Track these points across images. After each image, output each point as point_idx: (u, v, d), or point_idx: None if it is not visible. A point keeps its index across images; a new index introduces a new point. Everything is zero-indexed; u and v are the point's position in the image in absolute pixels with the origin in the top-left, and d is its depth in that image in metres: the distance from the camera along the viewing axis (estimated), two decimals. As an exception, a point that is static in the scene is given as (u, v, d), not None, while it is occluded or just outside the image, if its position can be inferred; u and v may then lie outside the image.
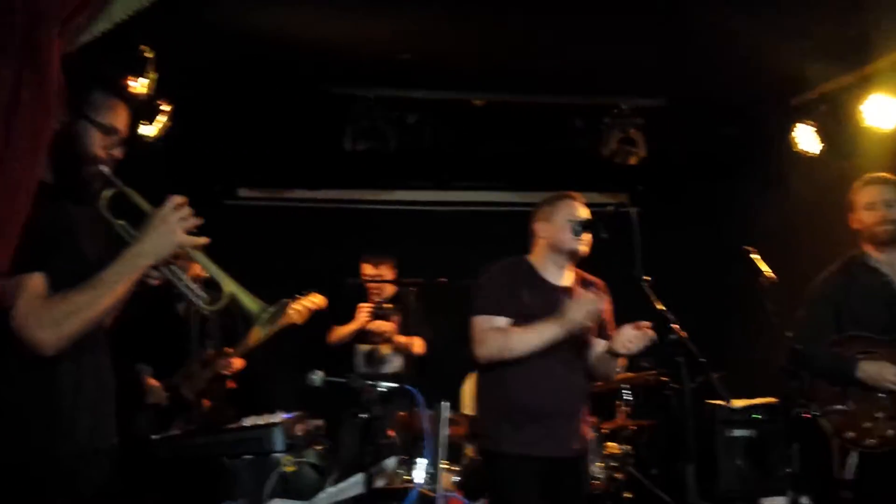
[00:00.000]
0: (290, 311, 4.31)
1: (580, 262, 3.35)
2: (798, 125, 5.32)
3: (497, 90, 5.45)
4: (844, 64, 4.95)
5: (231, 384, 4.42)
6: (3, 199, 1.75)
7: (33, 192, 1.85)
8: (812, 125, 5.27)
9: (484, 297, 3.26)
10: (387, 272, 4.55)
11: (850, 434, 3.44)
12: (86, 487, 2.09)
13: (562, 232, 3.30)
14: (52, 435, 2.03)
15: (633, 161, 5.54)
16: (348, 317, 4.77)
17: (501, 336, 3.16)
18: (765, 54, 4.68)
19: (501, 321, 3.19)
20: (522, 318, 3.17)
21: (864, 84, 4.91)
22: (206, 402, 4.10)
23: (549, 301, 3.22)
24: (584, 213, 3.33)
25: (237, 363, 4.28)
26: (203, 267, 2.16)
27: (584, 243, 3.28)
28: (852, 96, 5.01)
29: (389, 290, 4.85)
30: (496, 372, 3.21)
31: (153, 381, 4.06)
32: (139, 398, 4.03)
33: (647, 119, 5.55)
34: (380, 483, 2.31)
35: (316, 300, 4.47)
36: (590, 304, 3.09)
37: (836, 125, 5.17)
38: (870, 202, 3.61)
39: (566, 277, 3.38)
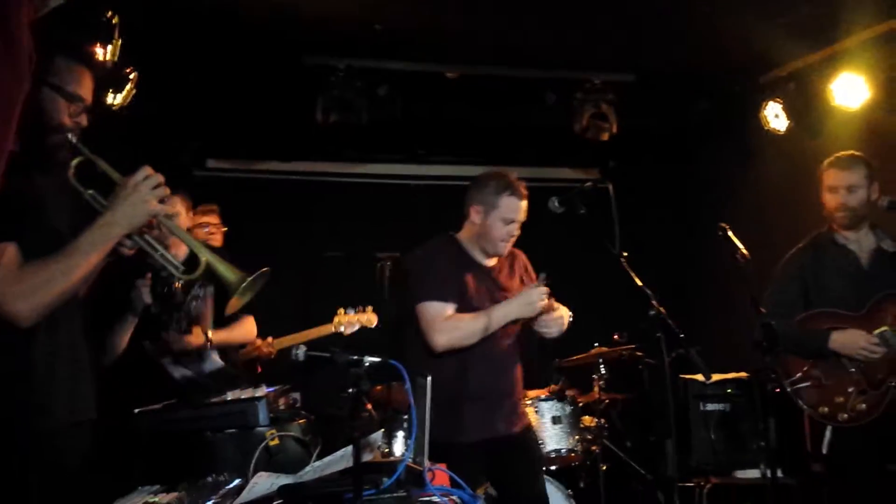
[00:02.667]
0: (341, 322, 4.43)
1: (562, 233, 3.34)
2: (767, 103, 5.37)
3: (470, 63, 5.40)
4: (813, 42, 5.01)
5: (259, 368, 4.41)
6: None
7: (3, 163, 1.77)
8: (780, 103, 5.33)
9: (431, 282, 3.21)
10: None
11: (824, 409, 3.50)
12: (64, 462, 2.07)
13: (495, 231, 3.28)
14: (29, 410, 2.00)
15: (604, 137, 5.55)
16: (326, 291, 4.70)
17: (458, 324, 3.14)
18: (735, 31, 4.71)
19: (451, 308, 3.18)
20: (464, 301, 3.20)
21: (833, 62, 4.97)
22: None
23: (483, 283, 3.29)
24: (523, 214, 3.32)
25: (272, 350, 4.29)
26: (177, 236, 2.14)
27: (508, 247, 3.33)
28: (821, 75, 5.07)
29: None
30: (443, 359, 3.17)
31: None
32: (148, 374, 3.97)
33: (618, 94, 5.55)
34: (366, 457, 2.28)
35: (370, 319, 4.48)
36: (536, 297, 3.13)
37: (805, 103, 5.23)
38: (831, 185, 3.65)
39: (491, 259, 3.41)
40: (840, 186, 3.63)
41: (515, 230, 3.30)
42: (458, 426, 3.13)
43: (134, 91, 4.39)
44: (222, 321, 4.17)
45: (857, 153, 3.72)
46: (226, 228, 4.30)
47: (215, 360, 3.67)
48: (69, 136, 2.14)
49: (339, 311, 4.47)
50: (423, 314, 3.18)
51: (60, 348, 2.07)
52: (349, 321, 4.46)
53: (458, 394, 3.16)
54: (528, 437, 3.49)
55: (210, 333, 3.56)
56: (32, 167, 2.12)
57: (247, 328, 3.73)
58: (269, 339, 4.31)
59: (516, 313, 3.20)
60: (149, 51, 4.41)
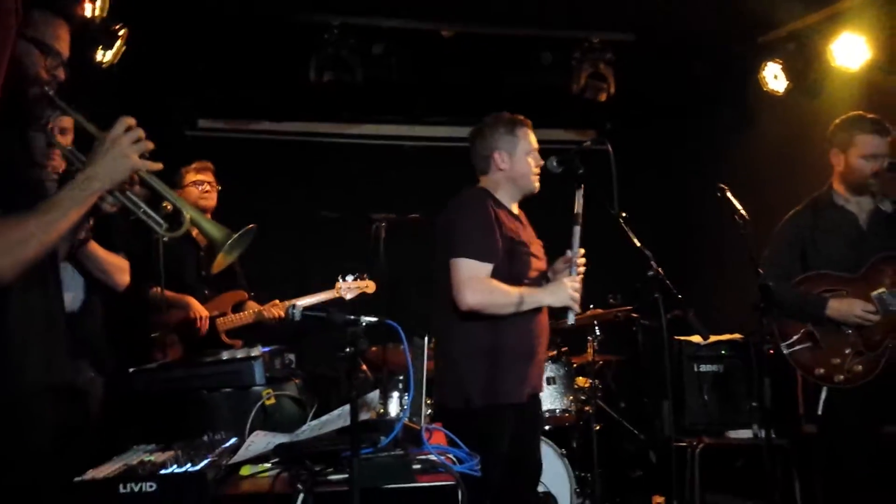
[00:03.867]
0: (342, 287, 4.44)
1: (559, 194, 3.27)
2: (766, 64, 5.31)
3: (466, 21, 5.31)
4: (813, 2, 4.94)
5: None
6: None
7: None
8: (780, 63, 5.27)
9: (470, 238, 3.08)
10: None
11: (820, 370, 3.52)
12: (40, 426, 2.02)
13: (525, 167, 3.24)
14: (4, 371, 1.95)
15: (602, 97, 5.48)
16: (321, 252, 4.68)
17: (491, 291, 3.03)
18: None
19: (487, 269, 3.06)
20: (507, 256, 3.11)
21: (833, 22, 4.90)
22: (238, 343, 4.06)
23: (518, 232, 3.22)
24: (536, 143, 3.31)
25: (280, 312, 4.25)
26: (160, 192, 2.08)
27: (538, 181, 3.27)
28: (821, 35, 5.00)
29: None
30: (475, 320, 3.07)
31: (197, 304, 4.02)
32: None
33: (617, 54, 5.47)
34: (363, 416, 2.28)
35: (369, 285, 4.49)
36: (570, 290, 3.06)
37: (805, 64, 5.17)
38: (872, 153, 3.56)
39: (514, 207, 3.35)
40: (880, 154, 3.57)
41: (538, 159, 3.25)
42: (490, 388, 3.05)
43: (124, 48, 4.30)
44: (210, 280, 4.18)
45: (880, 120, 3.66)
46: (220, 187, 4.25)
47: None
48: (46, 89, 2.07)
49: (338, 279, 4.47)
50: (458, 270, 3.05)
51: (35, 310, 2.02)
52: (349, 288, 4.48)
53: (491, 355, 3.08)
54: (538, 400, 3.47)
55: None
56: (10, 121, 2.06)
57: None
58: (276, 301, 4.29)
59: (549, 301, 3.12)
60: (139, 8, 4.31)
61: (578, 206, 3.11)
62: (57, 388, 2.09)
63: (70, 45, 2.15)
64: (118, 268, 2.82)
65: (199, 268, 4.16)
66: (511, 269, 3.12)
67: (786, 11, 5.06)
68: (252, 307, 4.27)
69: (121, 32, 4.21)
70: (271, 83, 5.58)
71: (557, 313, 3.25)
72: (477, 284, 3.02)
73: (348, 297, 4.44)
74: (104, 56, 4.20)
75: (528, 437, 3.28)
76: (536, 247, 3.32)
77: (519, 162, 3.24)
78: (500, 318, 3.06)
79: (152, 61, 4.88)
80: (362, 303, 4.39)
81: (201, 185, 4.20)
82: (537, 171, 3.25)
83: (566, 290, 3.06)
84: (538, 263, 3.28)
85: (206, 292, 4.18)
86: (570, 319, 3.09)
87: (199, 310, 4.01)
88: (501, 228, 3.12)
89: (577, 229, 3.10)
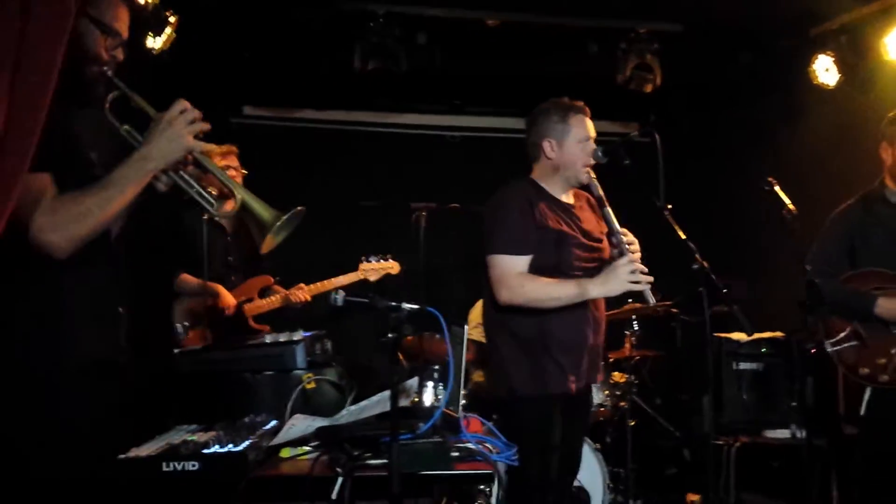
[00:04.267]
0: (366, 269, 4.43)
1: (600, 182, 3.23)
2: (817, 57, 5.21)
3: (511, 10, 5.28)
4: (867, -5, 4.83)
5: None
6: (23, 97, 1.65)
7: (52, 90, 1.76)
8: (831, 56, 5.16)
9: (503, 234, 3.04)
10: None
11: (864, 370, 3.46)
12: (89, 401, 2.07)
13: (574, 156, 3.13)
14: (54, 343, 2.01)
15: (648, 88, 5.41)
16: (361, 240, 4.71)
17: (524, 286, 2.98)
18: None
19: (524, 262, 3.02)
20: (545, 246, 3.04)
21: (887, 15, 4.78)
22: (266, 328, 4.08)
23: (565, 221, 3.13)
24: (593, 131, 3.20)
25: (306, 296, 4.26)
26: (212, 172, 2.12)
27: (590, 173, 3.15)
28: (874, 28, 4.89)
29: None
30: (519, 312, 3.03)
31: (224, 291, 4.05)
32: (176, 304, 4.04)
33: (664, 45, 5.40)
34: (404, 402, 2.30)
35: (392, 266, 4.47)
36: (625, 274, 2.93)
37: (856, 58, 5.05)
38: None
39: (569, 196, 3.27)
40: None
41: (592, 148, 3.14)
42: (533, 379, 3.01)
43: (174, 36, 4.36)
44: (236, 266, 4.22)
45: None
46: (245, 172, 4.28)
47: None
48: (105, 69, 2.11)
49: (361, 260, 4.47)
50: (492, 266, 3.05)
51: (91, 286, 2.07)
52: (373, 269, 4.46)
53: (534, 346, 3.03)
54: (589, 392, 3.40)
55: None
56: (70, 100, 2.10)
57: None
58: (301, 285, 4.32)
59: (598, 293, 3.00)
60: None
61: (598, 190, 3.08)
62: (109, 363, 2.14)
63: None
64: None
65: (227, 254, 4.19)
66: (555, 261, 3.05)
67: (838, 4, 4.95)
68: (278, 292, 4.28)
69: (171, 20, 4.27)
70: (315, 71, 5.60)
71: (635, 298, 3.17)
72: (511, 280, 2.99)
73: (372, 278, 4.42)
74: (154, 42, 4.26)
75: (572, 429, 3.19)
76: (596, 234, 3.21)
77: (568, 151, 3.13)
78: (549, 309, 3.00)
79: (199, 48, 4.92)
80: (400, 290, 4.40)
81: (227, 170, 4.21)
82: (589, 160, 3.13)
83: (618, 276, 2.93)
84: (588, 252, 3.16)
85: (233, 278, 4.19)
86: (650, 300, 2.97)
87: (227, 297, 4.04)
88: (541, 220, 3.05)
89: (608, 211, 3.06)
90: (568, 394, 3.06)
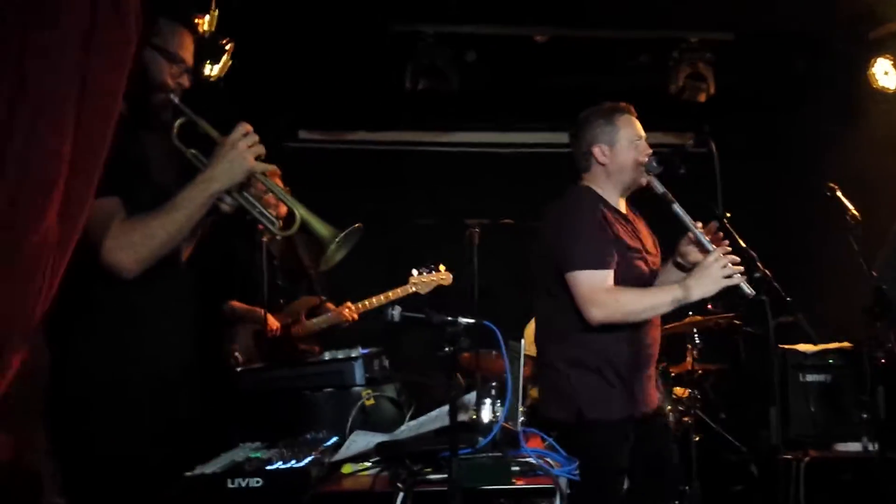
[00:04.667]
0: (416, 282, 4.41)
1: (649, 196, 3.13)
2: (877, 60, 5.08)
3: (559, 24, 5.28)
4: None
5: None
6: (90, 121, 1.72)
7: (117, 117, 1.83)
8: (890, 59, 5.03)
9: (584, 246, 2.81)
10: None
11: (936, 380, 3.33)
12: (161, 415, 2.12)
13: (629, 156, 2.96)
14: (123, 360, 2.08)
15: (702, 98, 5.35)
16: (415, 258, 4.73)
17: (618, 300, 2.78)
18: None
19: (610, 276, 2.80)
20: (623, 257, 2.87)
21: (950, 17, 4.67)
22: (316, 349, 4.11)
23: (627, 230, 2.97)
24: (642, 130, 3.03)
25: (354, 315, 4.28)
26: (273, 192, 2.17)
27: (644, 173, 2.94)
28: (934, 30, 4.77)
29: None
30: (592, 332, 2.82)
31: (268, 315, 4.07)
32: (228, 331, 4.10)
33: (716, 54, 5.33)
34: (462, 417, 2.29)
35: (444, 277, 4.46)
36: (720, 269, 2.70)
37: (916, 60, 4.93)
38: None
39: (622, 203, 3.07)
40: None
41: (645, 146, 2.97)
42: (602, 402, 2.84)
43: (230, 62, 4.48)
44: (285, 289, 4.26)
45: None
46: (289, 189, 4.34)
47: None
48: (171, 96, 2.19)
49: (412, 273, 4.46)
50: (579, 285, 2.79)
51: (159, 303, 2.14)
52: (423, 281, 4.44)
53: (602, 368, 2.86)
54: (661, 414, 3.23)
55: None
56: (137, 126, 2.19)
57: None
58: (348, 302, 4.33)
59: (699, 294, 2.73)
60: (241, 22, 4.47)
61: (660, 187, 2.87)
62: (178, 380, 2.20)
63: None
64: None
65: (274, 277, 4.24)
66: (627, 275, 2.87)
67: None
68: (326, 312, 4.30)
69: (227, 47, 4.39)
70: (368, 93, 5.68)
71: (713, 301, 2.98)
72: (601, 297, 2.77)
73: (423, 291, 4.40)
74: (212, 70, 4.38)
75: (650, 453, 2.99)
76: (649, 245, 3.07)
77: (622, 153, 2.96)
78: (610, 328, 2.82)
79: (254, 74, 5.04)
80: (456, 306, 4.39)
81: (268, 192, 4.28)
82: (644, 160, 2.93)
83: (711, 274, 2.70)
84: (650, 265, 3.02)
85: (281, 301, 4.24)
86: (747, 289, 2.70)
87: (271, 322, 4.07)
88: (612, 230, 2.88)
89: (677, 206, 2.84)
90: (638, 416, 2.90)
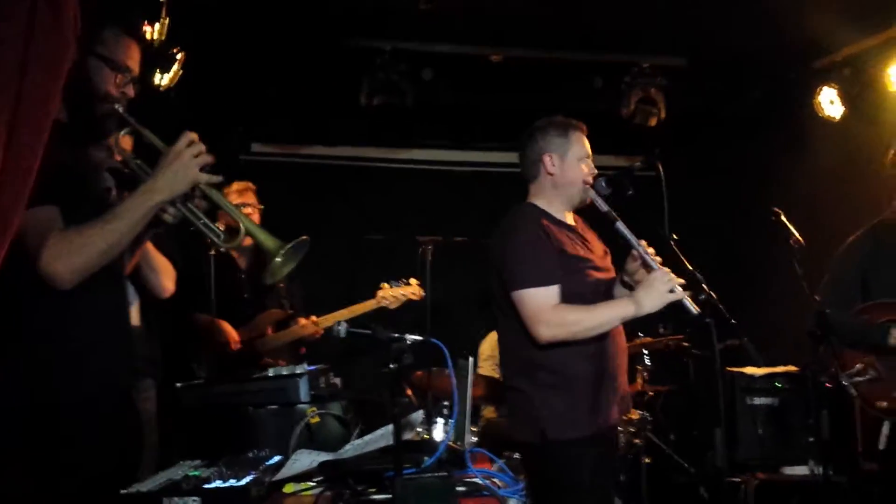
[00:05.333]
0: (385, 296, 4.31)
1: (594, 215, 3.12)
2: (822, 89, 5.21)
3: (515, 45, 5.32)
4: (869, 26, 4.86)
5: (302, 349, 4.35)
6: (22, 134, 1.66)
7: (50, 126, 1.77)
8: (835, 88, 5.16)
9: (528, 264, 2.79)
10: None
11: (882, 403, 3.40)
12: (99, 428, 2.06)
13: (576, 173, 2.96)
14: (65, 372, 2.01)
15: (652, 122, 5.44)
16: (369, 274, 4.68)
17: (565, 318, 2.75)
18: (788, 13, 4.57)
19: (556, 293, 2.77)
20: (569, 271, 2.84)
21: (890, 47, 4.82)
22: (281, 363, 4.01)
23: (576, 243, 2.96)
24: (590, 150, 3.04)
25: (318, 329, 4.21)
26: (218, 204, 2.13)
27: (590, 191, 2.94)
28: (878, 59, 4.91)
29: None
30: (547, 348, 2.78)
31: (228, 326, 4.03)
32: (197, 343, 4.03)
33: (668, 79, 5.43)
34: (406, 436, 2.25)
35: (415, 291, 4.38)
36: (666, 284, 2.70)
37: (861, 89, 5.07)
38: None
39: (568, 216, 3.07)
40: None
41: (591, 166, 2.99)
42: (567, 420, 2.77)
43: (181, 72, 4.41)
44: (252, 301, 4.20)
45: None
46: (262, 206, 4.30)
47: None
48: (116, 105, 2.14)
49: (382, 286, 4.39)
50: (524, 304, 2.77)
51: (102, 316, 2.08)
52: (394, 295, 4.36)
53: (565, 385, 2.80)
54: (616, 428, 3.14)
55: None
56: (80, 137, 2.13)
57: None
58: (313, 317, 4.27)
59: (647, 308, 2.73)
60: (194, 32, 4.42)
61: (604, 205, 2.87)
62: (119, 395, 2.13)
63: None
64: (167, 270, 2.76)
65: (241, 290, 4.19)
66: (577, 289, 2.84)
67: (841, 36, 4.98)
68: (294, 326, 4.26)
69: (178, 56, 4.32)
70: (323, 108, 5.66)
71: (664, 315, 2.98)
72: (548, 315, 2.74)
73: (393, 306, 4.32)
74: (161, 79, 4.30)
75: (605, 468, 2.93)
76: (599, 255, 3.05)
77: (570, 167, 2.97)
78: (571, 344, 2.78)
79: (207, 86, 4.98)
80: (406, 324, 4.35)
81: (244, 207, 4.23)
82: (591, 179, 2.96)
83: (657, 289, 2.71)
84: (602, 274, 2.99)
85: (247, 313, 4.19)
86: (692, 308, 2.69)
87: (231, 333, 4.03)
88: (558, 245, 2.86)
89: (620, 225, 2.84)
90: (601, 432, 2.85)
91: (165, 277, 2.69)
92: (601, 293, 2.94)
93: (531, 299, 2.76)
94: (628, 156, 6.43)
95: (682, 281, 2.74)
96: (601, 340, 2.85)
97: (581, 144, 3.01)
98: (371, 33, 5.13)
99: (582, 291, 2.86)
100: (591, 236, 3.11)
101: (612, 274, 3.04)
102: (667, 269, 2.76)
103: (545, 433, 2.76)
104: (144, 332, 2.43)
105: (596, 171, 3.00)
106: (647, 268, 2.82)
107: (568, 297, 2.81)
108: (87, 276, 1.97)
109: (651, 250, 2.85)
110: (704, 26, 4.90)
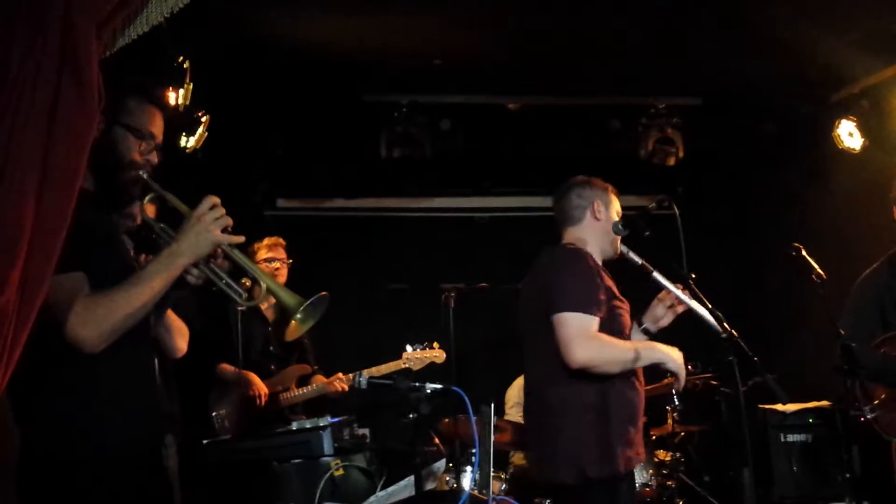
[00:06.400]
0: (409, 357, 4.39)
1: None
2: (840, 122, 5.21)
3: (530, 93, 5.40)
4: (886, 57, 4.85)
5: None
6: (50, 203, 1.74)
7: (76, 195, 1.85)
8: (853, 121, 5.16)
9: (577, 290, 2.85)
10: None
11: (905, 435, 3.33)
12: (126, 489, 2.07)
13: (613, 227, 3.06)
14: (91, 436, 2.04)
15: (671, 161, 5.46)
16: (393, 323, 4.72)
17: (602, 345, 2.81)
18: (804, 48, 4.59)
19: (597, 323, 2.84)
20: (611, 313, 2.93)
21: (907, 78, 4.81)
22: (302, 418, 4.05)
23: (612, 289, 3.03)
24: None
25: (343, 386, 4.24)
26: (238, 263, 2.18)
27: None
28: (894, 90, 4.90)
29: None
30: (583, 382, 2.83)
31: (257, 380, 4.07)
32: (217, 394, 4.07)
33: (684, 118, 5.46)
34: (430, 486, 2.26)
35: (437, 355, 4.45)
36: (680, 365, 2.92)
37: (879, 120, 5.05)
38: None
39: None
40: None
41: (623, 229, 3.04)
42: (604, 457, 2.78)
43: (206, 134, 4.54)
44: (277, 355, 4.24)
45: None
46: (291, 261, 4.38)
47: None
48: (141, 172, 2.21)
49: (406, 347, 4.46)
50: (565, 325, 2.80)
51: (125, 377, 2.12)
52: (417, 357, 4.43)
53: (601, 421, 2.82)
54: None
55: None
56: (105, 203, 2.20)
57: None
58: (339, 374, 4.32)
59: (671, 358, 2.93)
60: (217, 95, 4.56)
61: (638, 259, 3.00)
62: (143, 455, 2.16)
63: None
64: (180, 331, 2.80)
65: (267, 343, 4.24)
66: (611, 326, 2.92)
67: (858, 68, 4.98)
68: (317, 381, 4.29)
69: (203, 119, 4.45)
70: (344, 161, 5.78)
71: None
72: (587, 339, 2.79)
73: (416, 367, 4.38)
74: (187, 142, 4.43)
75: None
76: (626, 306, 3.12)
77: (610, 219, 3.08)
78: (605, 379, 2.83)
79: (232, 145, 5.11)
80: (431, 372, 4.37)
81: (272, 262, 4.32)
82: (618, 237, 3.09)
83: (678, 360, 2.93)
84: (628, 320, 3.08)
85: (273, 367, 4.23)
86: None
87: (259, 386, 4.06)
88: (603, 283, 2.94)
89: (657, 274, 2.96)
90: (631, 469, 2.90)
91: (179, 337, 2.74)
92: (627, 336, 3.03)
93: (574, 321, 2.80)
94: (650, 195, 6.46)
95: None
96: (629, 378, 2.90)
97: (617, 203, 3.16)
98: (387, 89, 5.24)
99: (619, 332, 2.94)
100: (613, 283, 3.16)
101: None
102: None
103: (585, 472, 2.76)
104: (163, 389, 2.48)
105: (626, 233, 3.05)
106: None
107: (609, 334, 2.88)
108: (113, 340, 2.02)
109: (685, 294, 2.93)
110: (719, 64, 4.93)
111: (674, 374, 2.99)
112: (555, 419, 2.87)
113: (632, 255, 3.02)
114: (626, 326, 3.03)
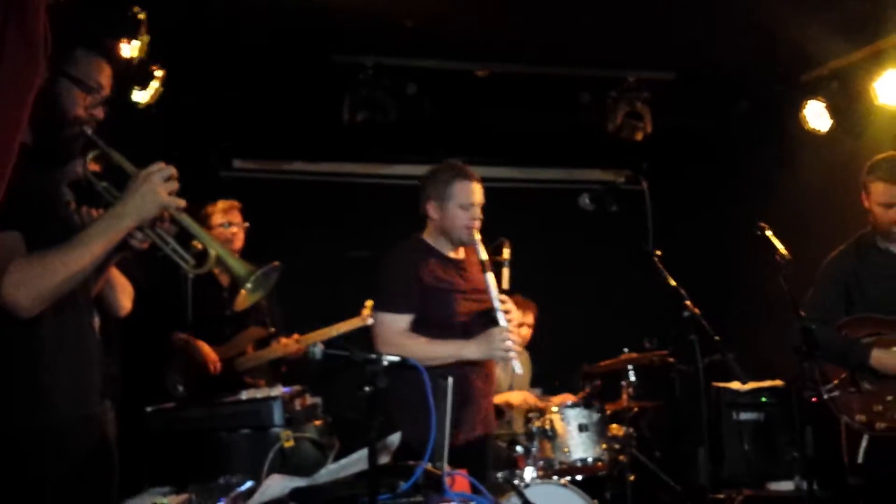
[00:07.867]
0: (370, 315, 4.23)
1: (589, 230, 3.23)
2: (808, 102, 5.21)
3: (500, 61, 5.30)
4: (857, 39, 4.87)
5: (283, 368, 4.34)
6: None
7: (17, 150, 1.73)
8: (823, 102, 5.16)
9: (386, 292, 3.22)
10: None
11: (861, 417, 3.39)
12: (70, 456, 2.02)
13: (455, 219, 3.24)
14: (32, 403, 1.96)
15: (638, 136, 5.43)
16: (352, 291, 4.63)
17: (402, 346, 3.04)
18: (776, 28, 4.58)
19: (405, 321, 3.15)
20: (428, 302, 3.16)
21: (877, 60, 4.82)
22: (261, 382, 4.02)
23: (450, 275, 3.25)
24: (479, 196, 3.27)
25: (300, 347, 4.21)
26: (187, 229, 2.08)
27: (475, 233, 3.24)
28: (864, 73, 4.92)
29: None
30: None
31: (205, 346, 4.00)
32: (171, 361, 4.00)
33: (654, 93, 5.42)
34: (383, 460, 2.21)
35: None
36: (498, 342, 3.06)
37: (848, 102, 5.08)
38: (886, 202, 3.46)
39: (458, 252, 3.37)
40: (894, 203, 3.44)
41: (477, 214, 3.25)
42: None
43: (161, 89, 4.37)
44: (233, 319, 4.15)
45: None
46: (247, 224, 4.26)
47: None
48: (84, 128, 2.09)
49: (366, 304, 4.36)
50: (377, 324, 3.21)
51: (66, 341, 2.02)
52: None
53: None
54: (486, 442, 3.40)
55: None
56: (45, 160, 2.08)
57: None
58: (295, 335, 4.23)
59: (470, 354, 3.13)
60: (175, 49, 4.38)
61: (482, 254, 3.16)
62: (85, 420, 2.08)
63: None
64: (124, 289, 2.72)
65: (222, 307, 4.13)
66: (442, 313, 3.18)
67: (828, 49, 4.98)
68: (274, 344, 4.21)
69: (157, 73, 4.28)
70: (305, 123, 5.61)
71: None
72: (392, 339, 3.11)
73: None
74: (141, 97, 4.26)
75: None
76: (481, 289, 3.28)
77: (449, 214, 3.24)
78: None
79: (188, 102, 4.93)
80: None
81: (228, 226, 4.19)
82: (473, 224, 3.23)
83: (490, 342, 3.08)
84: (480, 305, 3.25)
85: (228, 332, 4.14)
86: (517, 369, 3.10)
87: (209, 354, 3.99)
88: (427, 277, 3.18)
89: (489, 276, 3.15)
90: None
91: (123, 295, 2.64)
92: (468, 319, 3.24)
93: (382, 321, 3.19)
94: (617, 170, 6.43)
95: (517, 341, 3.15)
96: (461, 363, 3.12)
97: (464, 193, 3.25)
98: (355, 49, 5.09)
99: (444, 316, 3.20)
100: (478, 271, 3.31)
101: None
102: (508, 328, 3.09)
103: None
104: (103, 347, 2.38)
105: (480, 217, 3.25)
106: (494, 321, 3.12)
107: (432, 320, 3.16)
108: (49, 304, 1.92)
109: (510, 307, 3.17)
110: (691, 40, 4.89)
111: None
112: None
113: (477, 248, 3.21)
114: (461, 311, 3.22)
